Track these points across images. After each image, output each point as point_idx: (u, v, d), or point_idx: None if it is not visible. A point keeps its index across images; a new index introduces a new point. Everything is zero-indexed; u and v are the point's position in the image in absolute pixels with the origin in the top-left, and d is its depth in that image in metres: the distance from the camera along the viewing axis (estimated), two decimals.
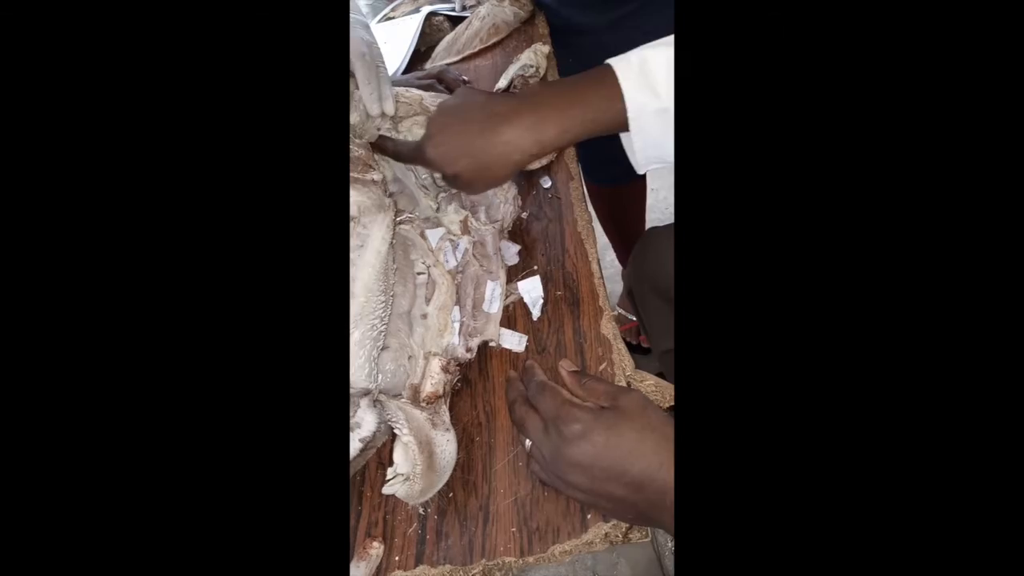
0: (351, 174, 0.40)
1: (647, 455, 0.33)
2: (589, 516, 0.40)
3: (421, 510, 0.44)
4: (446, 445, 0.41)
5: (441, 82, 0.74)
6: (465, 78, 0.76)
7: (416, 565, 0.42)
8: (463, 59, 0.81)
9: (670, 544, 0.94)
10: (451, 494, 0.44)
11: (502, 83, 0.73)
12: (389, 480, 0.40)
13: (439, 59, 0.82)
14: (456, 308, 0.47)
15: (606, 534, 0.39)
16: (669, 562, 0.89)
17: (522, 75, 0.70)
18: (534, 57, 0.72)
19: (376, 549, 0.43)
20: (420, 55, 0.86)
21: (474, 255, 0.50)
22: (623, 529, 0.39)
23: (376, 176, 0.42)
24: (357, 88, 0.47)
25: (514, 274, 0.53)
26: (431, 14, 0.86)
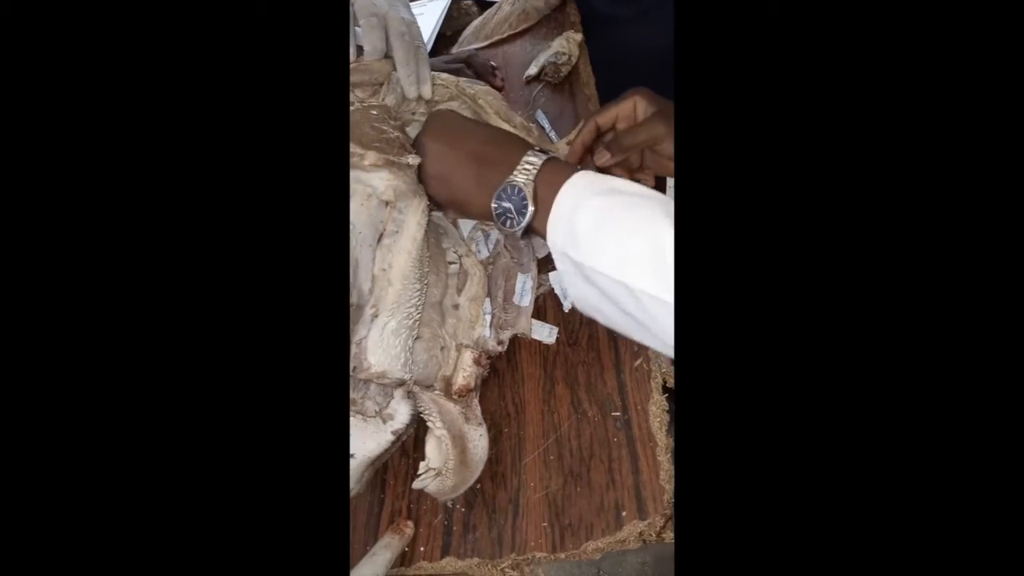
0: (388, 156, 0.39)
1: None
2: (624, 514, 0.39)
3: (449, 503, 0.43)
4: (479, 440, 0.41)
5: (470, 67, 0.73)
6: (494, 63, 0.75)
7: (442, 557, 0.42)
8: (491, 44, 0.79)
9: None
10: (479, 486, 0.43)
11: (532, 70, 0.71)
12: (421, 475, 0.39)
13: (467, 43, 0.81)
14: (487, 300, 0.47)
15: (640, 532, 0.38)
16: None
17: (554, 62, 0.69)
18: (566, 44, 0.70)
19: (409, 529, 0.42)
20: (446, 39, 0.84)
21: (505, 247, 0.49)
22: (657, 528, 0.39)
23: (412, 160, 0.41)
24: (395, 69, 0.46)
25: (544, 265, 0.52)
26: None
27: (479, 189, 0.39)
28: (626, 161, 0.45)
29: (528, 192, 0.37)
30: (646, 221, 0.33)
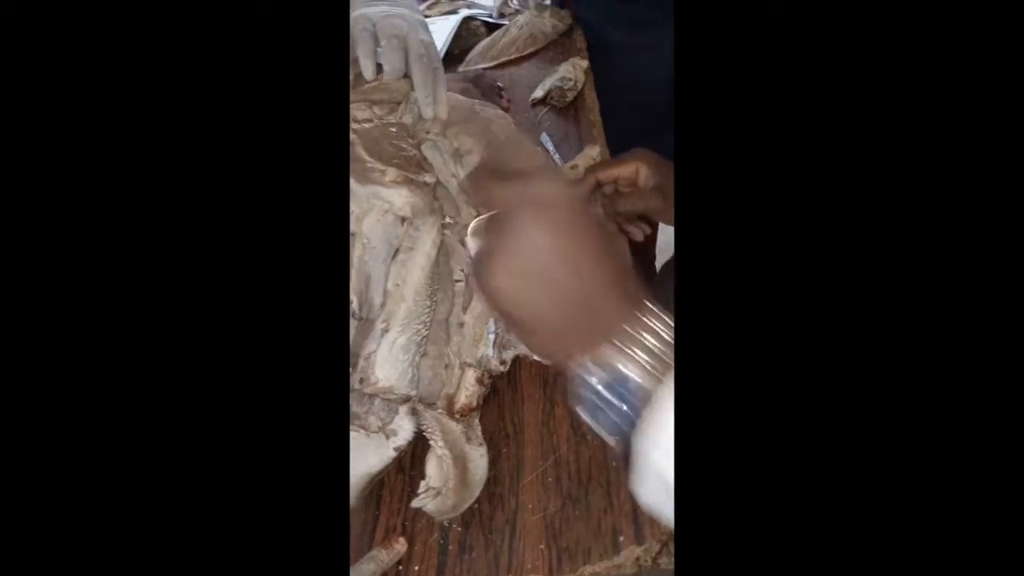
0: (407, 174, 0.40)
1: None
2: (622, 539, 0.39)
3: (445, 522, 0.43)
4: (479, 460, 0.41)
5: (477, 86, 0.74)
6: (500, 84, 0.76)
7: None
8: (498, 65, 0.80)
9: None
10: (476, 505, 0.43)
11: (538, 93, 0.73)
12: (421, 493, 0.39)
13: (473, 63, 0.82)
14: (491, 320, 0.47)
15: (637, 558, 0.39)
16: None
17: (560, 87, 0.71)
18: (572, 71, 0.72)
19: (401, 545, 0.42)
20: (454, 57, 0.86)
21: None
22: (653, 553, 0.39)
23: (429, 179, 0.41)
24: (413, 90, 0.46)
25: None
26: (468, 18, 0.86)
27: (557, 337, 0.28)
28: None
29: (631, 374, 0.27)
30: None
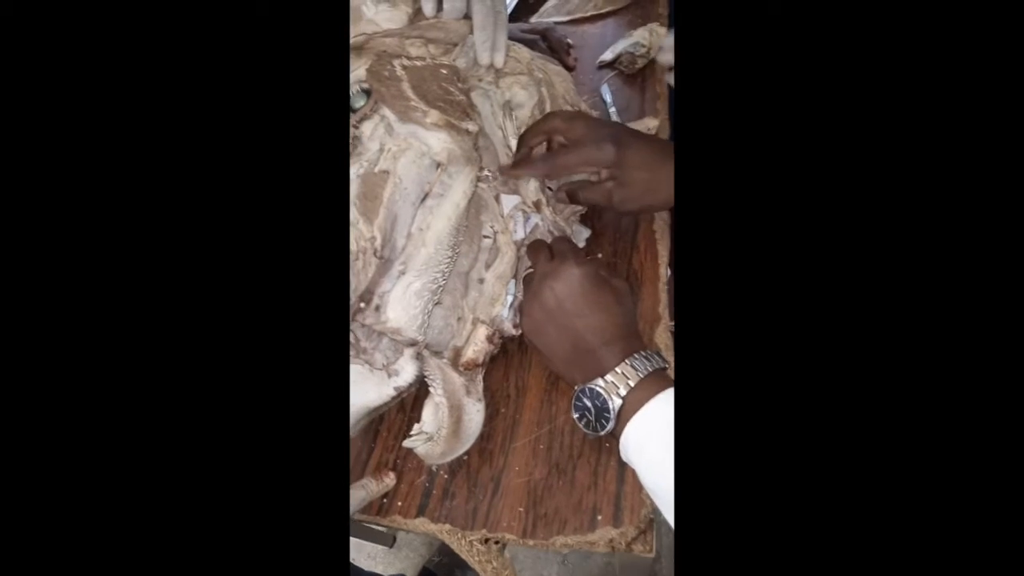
0: (449, 118, 0.39)
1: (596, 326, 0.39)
2: (599, 518, 0.39)
3: (434, 467, 0.44)
4: (475, 415, 0.41)
5: (545, 40, 0.71)
6: (570, 41, 0.73)
7: (416, 516, 0.43)
8: (572, 21, 0.77)
9: None
10: (466, 457, 0.44)
11: (608, 56, 0.69)
12: (413, 435, 0.40)
13: (547, 15, 0.79)
14: (512, 281, 0.47)
15: (611, 539, 0.39)
16: None
17: (631, 52, 0.67)
18: (648, 37, 0.68)
19: (391, 479, 0.43)
20: (528, 6, 0.82)
21: (550, 230, 0.49)
22: (628, 538, 0.39)
23: (471, 126, 0.40)
24: (471, 32, 0.45)
25: None
26: None
27: (567, 368, 0.40)
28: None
29: (612, 407, 0.37)
30: None
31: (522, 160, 0.46)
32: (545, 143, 0.46)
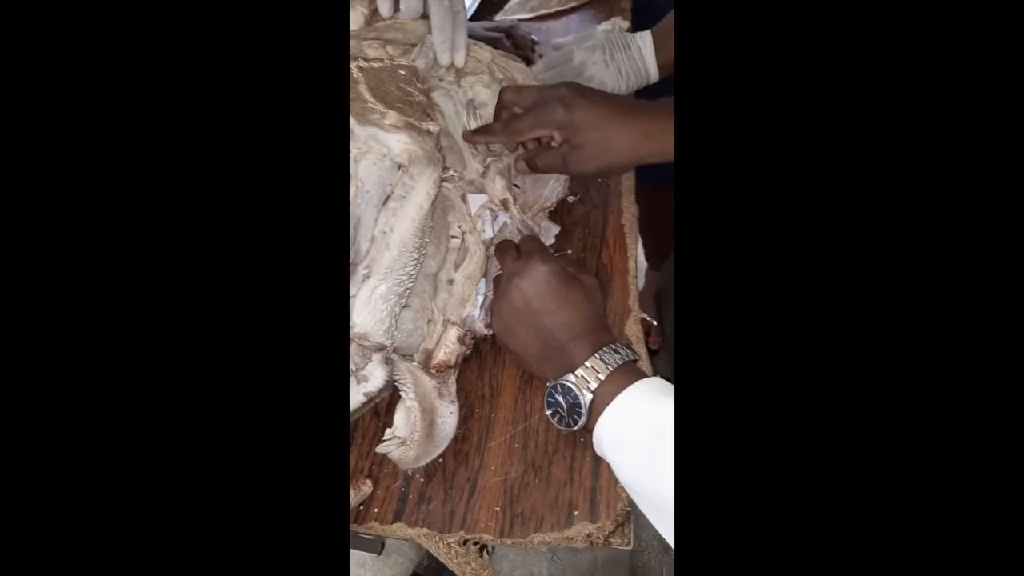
0: (409, 119, 0.39)
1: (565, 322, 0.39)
2: (576, 513, 0.39)
3: (409, 471, 0.44)
4: (448, 417, 0.41)
5: (510, 37, 0.71)
6: (535, 37, 0.73)
7: (393, 521, 0.43)
8: (537, 17, 0.77)
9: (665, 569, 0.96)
10: (441, 460, 0.44)
11: None
12: (385, 440, 0.40)
13: (511, 12, 0.79)
14: (483, 280, 0.46)
15: (588, 534, 0.39)
16: None
17: None
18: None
19: (367, 487, 0.43)
20: (492, 4, 0.82)
21: (519, 229, 0.49)
22: (606, 532, 0.39)
23: (432, 127, 0.40)
24: (430, 32, 0.45)
25: None
26: None
27: (538, 365, 0.41)
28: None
29: (584, 401, 0.37)
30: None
31: (480, 128, 0.47)
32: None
